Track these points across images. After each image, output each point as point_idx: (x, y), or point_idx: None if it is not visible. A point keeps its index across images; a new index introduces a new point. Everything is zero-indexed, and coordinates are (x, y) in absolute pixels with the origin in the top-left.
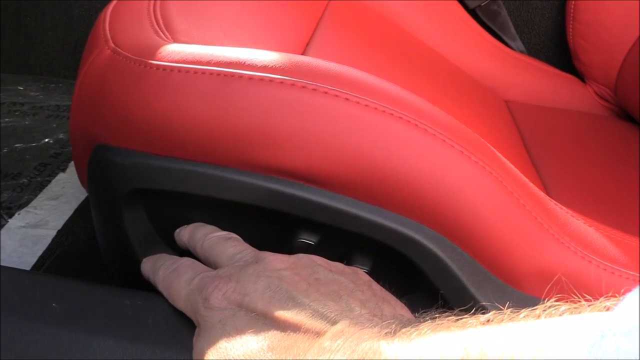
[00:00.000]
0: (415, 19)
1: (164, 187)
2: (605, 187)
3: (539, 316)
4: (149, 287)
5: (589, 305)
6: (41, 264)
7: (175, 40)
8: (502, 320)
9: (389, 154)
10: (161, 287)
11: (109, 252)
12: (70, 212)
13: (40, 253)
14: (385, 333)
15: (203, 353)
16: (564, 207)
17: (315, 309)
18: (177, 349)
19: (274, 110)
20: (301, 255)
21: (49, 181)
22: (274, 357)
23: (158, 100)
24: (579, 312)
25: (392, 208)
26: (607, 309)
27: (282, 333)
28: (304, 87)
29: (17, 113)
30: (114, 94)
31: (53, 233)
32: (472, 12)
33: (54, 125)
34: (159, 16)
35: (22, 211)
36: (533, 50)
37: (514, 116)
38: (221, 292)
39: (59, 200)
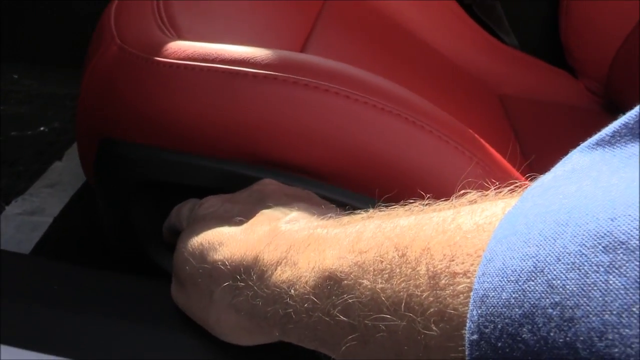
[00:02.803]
0: (411, 14)
1: (170, 179)
2: None
3: (454, 206)
4: (152, 273)
5: (495, 189)
6: (38, 250)
7: (180, 37)
8: (422, 210)
9: (386, 149)
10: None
11: (115, 240)
12: (66, 200)
13: (37, 240)
14: (324, 223)
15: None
16: None
17: (277, 208)
18: (174, 328)
19: (277, 107)
20: None
21: (45, 169)
22: (244, 225)
23: (166, 96)
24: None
25: (386, 199)
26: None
27: (252, 217)
28: (306, 84)
29: (12, 101)
30: (122, 90)
31: (49, 220)
32: (468, 8)
33: (50, 113)
34: (162, 13)
35: (19, 198)
36: (526, 46)
37: (507, 110)
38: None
39: (55, 187)
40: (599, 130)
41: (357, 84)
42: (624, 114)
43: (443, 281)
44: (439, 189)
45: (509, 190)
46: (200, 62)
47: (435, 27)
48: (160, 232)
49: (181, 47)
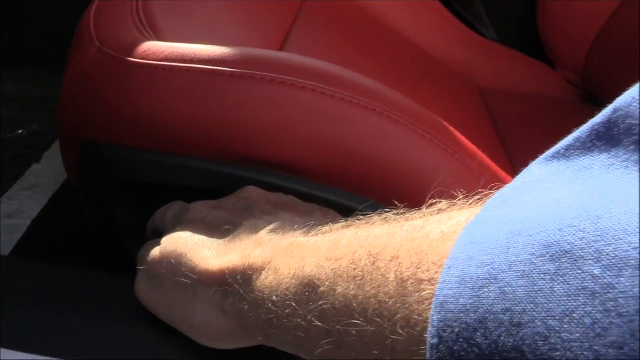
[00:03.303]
0: (390, 11)
1: (153, 180)
2: None
3: (424, 215)
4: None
5: (464, 197)
6: (17, 252)
7: (159, 38)
8: (395, 219)
9: (363, 143)
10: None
11: (99, 242)
12: (44, 202)
13: (15, 242)
14: (305, 231)
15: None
16: None
17: (261, 217)
18: (152, 327)
19: (255, 105)
20: None
21: (24, 172)
22: (230, 232)
23: (144, 97)
24: (456, 206)
25: (366, 193)
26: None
27: (239, 226)
28: (282, 82)
29: None
30: (101, 93)
31: (28, 222)
32: (447, 3)
33: (28, 116)
34: (142, 15)
35: None
36: (505, 39)
37: (487, 103)
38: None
39: (33, 190)
40: (576, 120)
41: (333, 80)
42: (600, 105)
43: (410, 288)
44: (416, 182)
45: (477, 199)
46: (178, 62)
47: (415, 23)
48: (143, 232)
49: (159, 48)
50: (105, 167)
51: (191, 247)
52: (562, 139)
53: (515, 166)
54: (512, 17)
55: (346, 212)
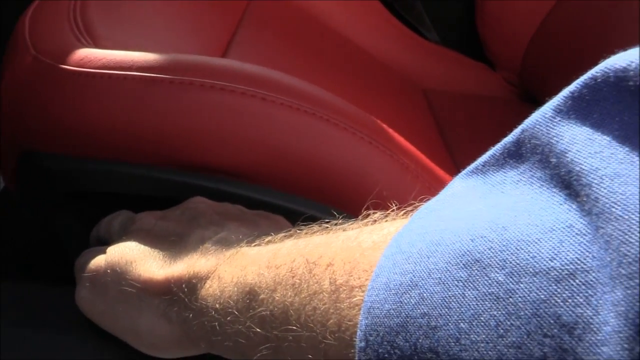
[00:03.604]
0: (334, 14)
1: (94, 188)
2: None
3: (359, 226)
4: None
5: (397, 208)
6: None
7: (97, 44)
8: (332, 229)
9: (303, 147)
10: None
11: (41, 251)
12: None
13: None
14: (249, 241)
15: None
16: None
17: (208, 227)
18: (84, 335)
19: (195, 112)
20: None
21: None
22: (176, 243)
23: (82, 106)
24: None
25: (310, 196)
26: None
27: (185, 236)
28: (222, 88)
29: None
30: (38, 102)
31: None
32: (390, 6)
33: None
34: (79, 21)
35: None
36: (447, 41)
37: (431, 103)
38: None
39: None
40: (515, 118)
41: (273, 86)
42: (538, 103)
43: (342, 295)
44: (356, 184)
45: (409, 210)
46: (116, 70)
47: (359, 26)
48: (86, 241)
49: (96, 56)
50: (45, 176)
51: (137, 257)
52: (502, 139)
53: (457, 164)
54: (453, 20)
55: (293, 215)
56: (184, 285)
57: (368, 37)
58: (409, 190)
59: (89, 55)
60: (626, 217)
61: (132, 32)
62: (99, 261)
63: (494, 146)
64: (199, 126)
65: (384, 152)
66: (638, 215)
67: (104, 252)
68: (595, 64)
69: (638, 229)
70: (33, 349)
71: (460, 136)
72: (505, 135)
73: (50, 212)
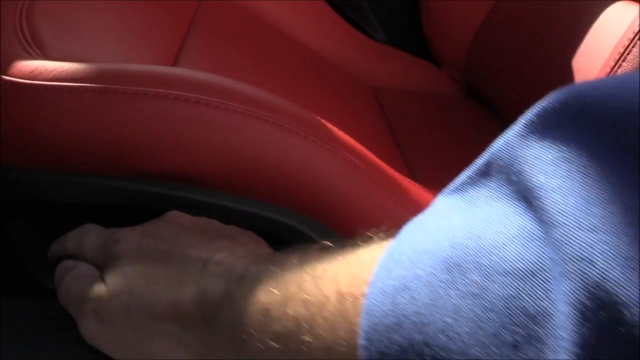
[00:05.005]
0: (283, 16)
1: (48, 199)
2: (461, 161)
3: (358, 244)
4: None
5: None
6: None
7: (46, 56)
8: (330, 249)
9: (256, 152)
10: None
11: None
12: None
13: None
14: (252, 261)
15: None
16: (421, 186)
17: (201, 249)
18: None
19: (149, 121)
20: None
21: None
22: (176, 266)
23: (34, 119)
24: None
25: (263, 198)
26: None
27: (181, 257)
28: (175, 97)
29: None
30: None
31: None
32: (337, 7)
33: None
34: (26, 31)
35: None
36: (394, 41)
37: (380, 101)
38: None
39: None
40: (460, 114)
41: (224, 93)
42: (481, 100)
43: (347, 303)
44: (310, 186)
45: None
46: (68, 82)
47: (307, 27)
48: (43, 252)
49: (47, 68)
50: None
51: (141, 283)
52: (448, 132)
53: (408, 161)
54: (400, 20)
55: (248, 219)
56: (196, 310)
57: (315, 37)
58: (356, 187)
59: (39, 67)
60: (567, 223)
61: (81, 43)
62: (99, 291)
63: (443, 142)
64: (151, 135)
65: (338, 155)
66: (574, 221)
67: (96, 279)
68: (532, 58)
69: (576, 232)
70: None
71: (409, 131)
72: (453, 130)
73: (5, 223)
